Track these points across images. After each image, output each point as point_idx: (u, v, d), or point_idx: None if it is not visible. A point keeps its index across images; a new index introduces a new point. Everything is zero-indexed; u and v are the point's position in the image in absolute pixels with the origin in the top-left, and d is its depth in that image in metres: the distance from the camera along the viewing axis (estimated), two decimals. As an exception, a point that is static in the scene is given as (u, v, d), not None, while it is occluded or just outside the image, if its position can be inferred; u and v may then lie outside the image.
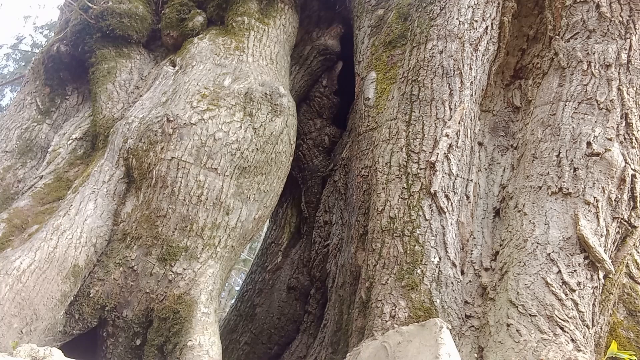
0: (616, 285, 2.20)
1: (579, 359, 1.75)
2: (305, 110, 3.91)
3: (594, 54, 2.36)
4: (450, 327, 2.00)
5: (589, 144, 2.21)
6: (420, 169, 2.41)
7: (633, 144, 2.22)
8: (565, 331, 1.90)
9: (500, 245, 2.29)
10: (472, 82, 2.56)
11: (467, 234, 2.38)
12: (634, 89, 2.30)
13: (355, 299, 2.52)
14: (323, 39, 3.74)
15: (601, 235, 2.11)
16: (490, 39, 2.64)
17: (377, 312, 2.23)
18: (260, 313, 3.59)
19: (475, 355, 2.04)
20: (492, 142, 2.67)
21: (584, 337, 1.94)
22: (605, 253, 2.08)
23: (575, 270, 2.03)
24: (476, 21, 2.60)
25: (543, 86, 2.53)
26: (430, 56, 2.61)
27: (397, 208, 2.40)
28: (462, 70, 2.53)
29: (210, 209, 2.47)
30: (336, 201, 3.38)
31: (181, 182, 2.45)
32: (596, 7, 2.42)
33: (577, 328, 1.93)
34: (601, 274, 2.09)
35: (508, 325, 1.97)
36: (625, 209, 2.18)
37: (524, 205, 2.25)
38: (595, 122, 2.25)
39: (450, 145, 2.43)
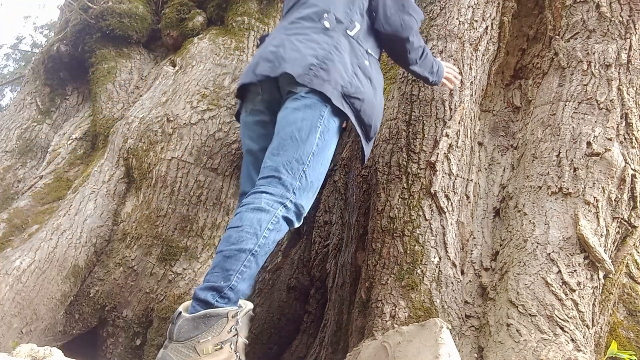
0: (616, 285, 2.21)
1: (579, 359, 1.75)
2: (305, 110, 3.91)
3: (594, 54, 2.36)
4: (450, 327, 2.00)
5: (589, 144, 2.21)
6: (420, 169, 2.41)
7: (633, 144, 2.22)
8: (565, 331, 1.90)
9: (500, 245, 2.29)
10: (472, 82, 2.56)
11: (467, 234, 2.38)
12: (634, 89, 2.31)
13: (355, 299, 2.53)
14: (323, 39, 3.74)
15: (601, 235, 2.11)
16: (490, 39, 2.64)
17: (377, 312, 2.23)
18: (260, 313, 3.59)
19: (475, 355, 2.04)
20: (492, 142, 2.67)
21: (584, 337, 1.94)
22: (605, 253, 2.09)
23: (575, 270, 2.03)
24: (476, 21, 2.61)
25: (543, 86, 2.53)
26: (430, 56, 2.61)
27: (397, 208, 2.40)
28: (462, 70, 2.53)
29: (210, 209, 2.47)
30: (336, 201, 3.38)
31: (181, 182, 2.45)
32: (596, 7, 2.42)
33: (577, 328, 1.93)
34: (601, 274, 2.09)
35: (508, 325, 1.97)
36: (625, 209, 2.18)
37: (524, 205, 2.25)
38: (595, 122, 2.25)
39: (450, 145, 2.43)
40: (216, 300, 1.43)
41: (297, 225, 1.69)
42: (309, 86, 1.68)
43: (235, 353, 1.43)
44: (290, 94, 1.73)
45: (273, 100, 1.81)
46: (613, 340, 2.13)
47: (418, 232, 2.30)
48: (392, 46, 2.05)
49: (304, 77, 1.67)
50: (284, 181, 1.62)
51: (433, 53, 2.60)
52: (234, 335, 1.43)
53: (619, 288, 2.31)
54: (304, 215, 1.70)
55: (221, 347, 1.39)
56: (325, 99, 1.70)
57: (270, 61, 1.75)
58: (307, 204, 1.70)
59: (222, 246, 1.52)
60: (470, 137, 2.53)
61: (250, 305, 1.52)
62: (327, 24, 1.83)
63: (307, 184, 1.67)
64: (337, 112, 1.75)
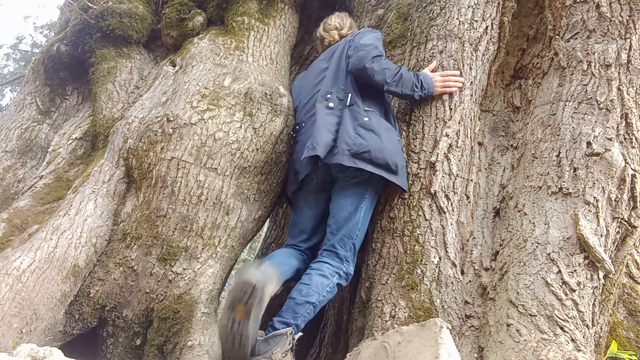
0: (616, 285, 2.21)
1: (579, 359, 1.75)
2: (305, 110, 3.90)
3: (594, 54, 2.36)
4: (450, 327, 2.00)
5: (589, 143, 2.21)
6: (420, 168, 2.41)
7: (633, 144, 2.22)
8: (565, 331, 1.90)
9: (500, 245, 2.29)
10: (472, 82, 2.56)
11: (467, 233, 2.38)
12: (634, 89, 2.31)
13: (355, 299, 2.53)
14: (323, 39, 3.74)
15: (601, 235, 2.11)
16: (490, 39, 2.64)
17: (377, 312, 2.23)
18: (260, 313, 3.58)
19: (475, 355, 2.04)
20: (492, 142, 2.67)
21: (584, 337, 1.95)
22: (605, 253, 2.09)
23: (575, 270, 2.03)
24: (476, 21, 2.61)
25: (543, 86, 2.53)
26: (430, 56, 2.61)
27: (397, 208, 2.40)
28: (462, 70, 2.53)
29: (210, 209, 2.47)
30: (336, 201, 3.37)
31: (181, 182, 2.45)
32: (596, 7, 2.42)
33: (577, 328, 1.93)
34: (601, 274, 2.09)
35: (508, 325, 1.97)
36: (625, 209, 2.18)
37: (524, 205, 2.25)
38: (595, 122, 2.25)
39: (450, 145, 2.43)
40: (287, 325, 2.15)
41: (344, 285, 2.38)
42: (339, 162, 2.30)
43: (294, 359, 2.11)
44: (338, 173, 2.41)
45: (325, 179, 2.48)
46: (613, 340, 2.14)
47: (418, 232, 2.30)
48: (361, 78, 2.48)
49: (334, 158, 2.31)
50: (340, 255, 2.33)
51: (433, 53, 2.60)
52: (292, 348, 2.10)
53: (619, 288, 2.31)
54: (351, 273, 2.37)
55: (286, 355, 2.07)
56: (365, 183, 2.37)
57: (308, 147, 2.35)
58: (353, 267, 2.37)
59: (295, 295, 2.22)
60: (470, 137, 2.53)
61: (300, 333, 2.19)
62: (331, 104, 2.45)
63: (354, 250, 2.37)
64: (376, 189, 2.42)
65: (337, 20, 2.88)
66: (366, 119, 2.39)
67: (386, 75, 2.41)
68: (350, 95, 2.45)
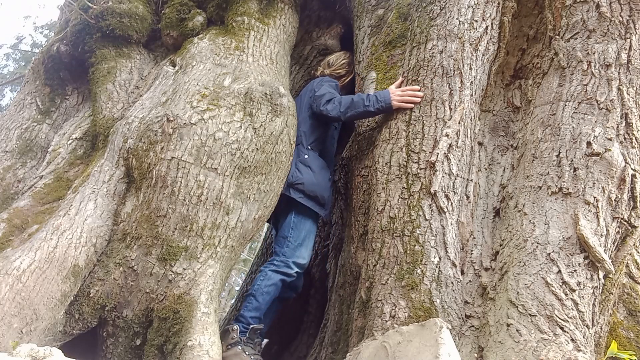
0: (616, 285, 2.21)
1: (579, 359, 1.76)
2: (305, 110, 3.90)
3: (594, 53, 2.36)
4: (450, 327, 2.00)
5: (589, 143, 2.21)
6: (420, 168, 2.41)
7: (633, 144, 2.22)
8: (565, 331, 1.90)
9: (500, 245, 2.29)
10: (472, 82, 2.56)
11: (467, 233, 2.38)
12: (634, 89, 2.31)
13: (355, 299, 2.53)
14: (323, 39, 3.74)
15: (601, 235, 2.11)
16: (490, 39, 2.64)
17: (377, 312, 2.23)
18: (260, 313, 3.57)
19: (475, 355, 2.04)
20: (492, 142, 2.67)
21: (584, 337, 1.95)
22: (605, 253, 2.09)
23: (575, 270, 2.03)
24: (476, 21, 2.61)
25: (543, 86, 2.53)
26: (430, 56, 2.61)
27: (397, 208, 2.40)
28: (462, 70, 2.53)
29: (210, 208, 2.47)
30: (336, 201, 3.38)
31: (181, 182, 2.45)
32: (596, 7, 2.42)
33: (577, 328, 1.93)
34: (601, 274, 2.09)
35: (508, 325, 1.97)
36: (625, 209, 2.18)
37: (524, 205, 2.25)
38: (595, 122, 2.25)
39: (450, 145, 2.43)
40: (235, 321, 2.64)
41: (290, 271, 2.77)
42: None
43: (245, 352, 2.44)
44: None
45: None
46: (613, 340, 2.14)
47: (418, 232, 2.30)
48: (322, 119, 2.99)
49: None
50: (277, 251, 2.84)
51: (433, 53, 2.60)
52: (242, 340, 2.49)
53: (619, 288, 2.31)
54: (295, 261, 2.79)
55: (230, 348, 2.44)
56: (291, 207, 2.89)
57: None
58: (295, 254, 2.81)
59: None
60: (470, 137, 2.53)
61: (258, 326, 2.60)
62: None
63: (293, 245, 2.82)
64: (302, 208, 2.89)
65: (332, 58, 3.39)
66: (306, 156, 2.94)
67: (338, 109, 2.83)
68: (299, 136, 2.95)
